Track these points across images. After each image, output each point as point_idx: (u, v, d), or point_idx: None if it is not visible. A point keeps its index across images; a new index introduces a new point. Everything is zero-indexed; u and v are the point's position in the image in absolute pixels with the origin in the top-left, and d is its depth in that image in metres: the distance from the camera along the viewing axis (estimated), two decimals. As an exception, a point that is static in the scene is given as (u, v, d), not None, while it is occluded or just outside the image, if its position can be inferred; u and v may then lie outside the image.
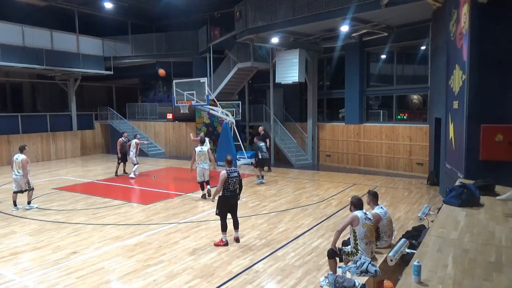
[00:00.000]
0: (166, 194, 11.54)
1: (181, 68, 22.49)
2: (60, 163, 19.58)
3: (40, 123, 20.33)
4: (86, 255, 6.71)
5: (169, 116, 22.22)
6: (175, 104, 18.02)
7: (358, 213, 5.08)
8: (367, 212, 5.24)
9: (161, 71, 12.28)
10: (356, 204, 5.20)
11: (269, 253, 6.65)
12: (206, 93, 16.73)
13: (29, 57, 18.41)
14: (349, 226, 5.09)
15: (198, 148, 10.84)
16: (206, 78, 17.45)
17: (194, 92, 16.99)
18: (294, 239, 7.36)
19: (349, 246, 5.14)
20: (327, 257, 5.26)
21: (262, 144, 13.22)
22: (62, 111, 22.22)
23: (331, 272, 4.96)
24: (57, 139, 20.96)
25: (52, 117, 20.97)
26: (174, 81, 17.67)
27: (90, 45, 21.49)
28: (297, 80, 15.91)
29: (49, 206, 10.37)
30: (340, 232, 5.07)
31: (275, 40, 15.28)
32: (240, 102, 19.38)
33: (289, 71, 15.99)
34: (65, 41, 20.23)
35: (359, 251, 4.94)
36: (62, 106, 22.71)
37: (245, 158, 17.38)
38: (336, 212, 9.31)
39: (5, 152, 19.00)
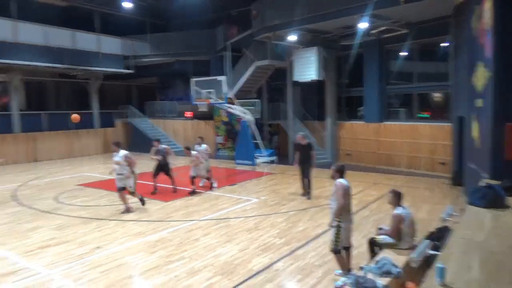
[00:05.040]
0: (186, 191, 11.68)
1: (199, 66, 22.69)
2: (83, 160, 20.06)
3: (63, 121, 20.85)
4: (109, 250, 6.88)
5: (188, 114, 22.44)
6: (194, 103, 18.21)
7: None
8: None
9: (74, 116, 12.18)
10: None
11: (289, 252, 6.67)
12: (224, 91, 16.83)
13: (52, 56, 18.89)
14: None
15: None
16: (224, 76, 17.55)
17: (212, 90, 17.12)
18: (314, 238, 7.36)
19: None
20: (333, 253, 5.45)
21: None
22: (84, 109, 22.69)
23: (352, 273, 4.96)
24: (80, 136, 21.46)
25: (75, 115, 21.44)
26: (192, 80, 17.83)
27: (110, 44, 21.90)
28: (315, 78, 15.83)
29: (73, 202, 10.65)
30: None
31: (292, 38, 15.23)
32: (259, 100, 19.40)
33: (307, 69, 15.92)
34: (86, 40, 20.67)
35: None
36: (84, 105, 23.21)
37: (263, 156, 17.40)
38: (357, 211, 9.25)
39: (31, 150, 19.56)
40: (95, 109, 22.42)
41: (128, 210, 9.32)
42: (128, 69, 22.14)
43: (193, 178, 11.34)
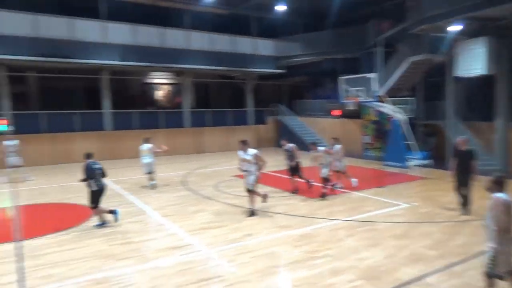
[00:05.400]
0: (332, 190, 11.68)
1: (348, 64, 22.31)
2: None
3: (223, 118, 23.33)
4: (259, 239, 7.40)
5: (336, 112, 22.34)
6: (342, 101, 18.01)
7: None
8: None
9: (163, 148, 13.31)
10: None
11: (443, 267, 6.03)
12: (375, 89, 16.15)
13: (215, 60, 21.29)
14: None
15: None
16: (374, 73, 16.84)
17: (362, 88, 16.63)
18: (476, 255, 6.42)
19: None
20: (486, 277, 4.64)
21: None
22: (240, 107, 24.87)
23: None
24: (236, 132, 23.60)
25: (233, 113, 23.76)
26: (341, 78, 17.65)
27: (265, 46, 23.46)
28: (482, 73, 13.83)
29: (229, 191, 11.80)
30: None
31: (455, 28, 13.60)
32: (413, 99, 17.99)
33: (473, 62, 14.02)
34: (244, 44, 22.63)
35: None
36: (240, 103, 25.41)
37: (416, 158, 16.09)
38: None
39: (197, 143, 22.44)
40: (250, 107, 24.33)
41: (264, 197, 9.36)
42: (280, 69, 23.30)
43: (325, 180, 10.62)
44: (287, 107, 25.68)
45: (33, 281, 5.68)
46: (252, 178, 8.88)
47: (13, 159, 13.77)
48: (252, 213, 8.98)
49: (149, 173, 12.49)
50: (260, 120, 24.91)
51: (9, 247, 7.13)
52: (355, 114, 20.30)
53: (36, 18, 17.03)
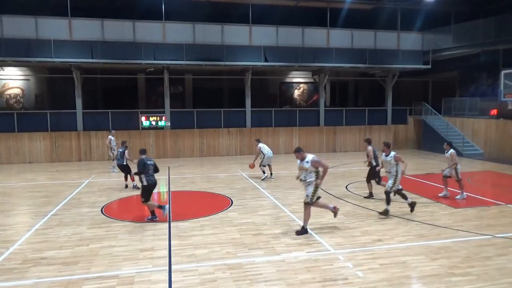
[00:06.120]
0: (481, 200, 10.28)
1: (511, 56, 19.14)
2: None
3: (359, 117, 22.65)
4: (390, 246, 7.01)
5: (493, 112, 19.43)
6: (502, 99, 15.58)
7: None
8: None
9: (250, 165, 13.66)
10: None
11: None
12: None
13: (355, 57, 20.74)
14: None
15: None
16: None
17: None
18: None
19: None
20: None
21: None
22: (379, 106, 23.73)
23: None
24: (372, 132, 22.66)
25: (370, 112, 22.85)
26: (502, 72, 15.26)
27: (410, 40, 21.89)
28: None
29: (361, 192, 11.41)
30: None
31: None
32: None
33: None
34: (386, 39, 21.52)
35: None
36: (380, 102, 24.25)
37: None
38: None
39: (331, 141, 22.33)
40: (389, 106, 23.01)
41: (412, 205, 9.04)
42: (426, 64, 21.41)
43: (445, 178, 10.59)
44: (434, 106, 23.41)
45: (179, 258, 6.54)
46: (391, 180, 8.93)
47: (115, 153, 14.46)
48: (386, 212, 8.81)
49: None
50: (399, 120, 23.32)
51: (163, 226, 8.33)
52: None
53: (193, 27, 19.37)
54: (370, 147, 10.82)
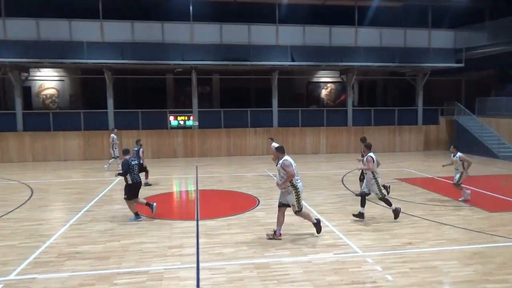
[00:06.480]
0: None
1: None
2: (403, 155, 20.62)
3: (388, 117, 22.19)
4: (421, 249, 6.83)
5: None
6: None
7: None
8: None
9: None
10: None
11: None
12: None
13: (385, 56, 20.33)
14: None
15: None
16: None
17: None
18: None
19: None
20: None
21: None
22: (409, 106, 23.17)
23: None
24: (402, 132, 22.16)
25: (399, 112, 22.35)
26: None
27: (441, 38, 21.26)
28: None
29: (390, 194, 11.17)
30: None
31: None
32: None
33: None
34: (417, 37, 20.99)
35: None
36: (409, 101, 23.67)
37: None
38: None
39: (358, 142, 21.99)
40: (420, 106, 22.43)
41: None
42: (459, 63, 20.73)
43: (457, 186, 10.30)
44: (467, 106, 22.62)
45: (206, 256, 6.62)
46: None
47: (115, 151, 15.81)
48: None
49: None
50: (430, 120, 22.69)
51: (191, 224, 8.46)
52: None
53: (220, 27, 19.53)
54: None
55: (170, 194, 11.86)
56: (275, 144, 13.64)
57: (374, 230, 7.90)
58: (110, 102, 19.73)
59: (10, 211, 9.67)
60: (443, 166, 11.15)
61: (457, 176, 10.14)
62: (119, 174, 8.60)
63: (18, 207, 10.14)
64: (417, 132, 22.38)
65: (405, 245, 7.07)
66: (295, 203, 7.21)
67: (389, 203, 8.65)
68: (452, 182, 10.49)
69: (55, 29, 18.26)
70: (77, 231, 8.00)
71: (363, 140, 11.14)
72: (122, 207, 9.91)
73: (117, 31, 18.79)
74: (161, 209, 10.05)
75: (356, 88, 27.01)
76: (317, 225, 7.52)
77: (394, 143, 22.23)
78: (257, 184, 12.96)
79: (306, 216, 7.56)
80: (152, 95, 23.92)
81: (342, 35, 20.56)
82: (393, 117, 22.31)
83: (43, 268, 6.13)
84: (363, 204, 8.57)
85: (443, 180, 13.29)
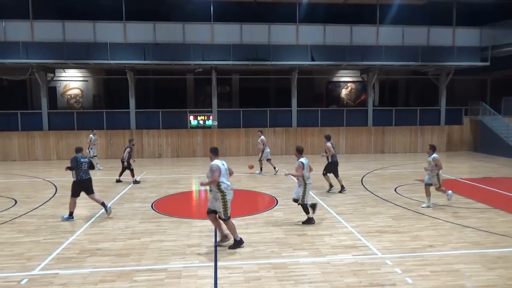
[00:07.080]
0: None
1: None
2: (425, 156, 20.06)
3: (410, 117, 21.79)
4: (442, 252, 6.69)
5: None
6: None
7: None
8: None
9: (250, 165, 13.76)
10: None
11: None
12: None
13: (407, 55, 19.96)
14: None
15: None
16: None
17: None
18: None
19: None
20: None
21: None
22: (432, 105, 22.68)
23: None
24: (424, 132, 21.71)
25: (421, 112, 21.91)
26: None
27: (466, 36, 20.72)
28: None
29: (410, 195, 11.00)
30: None
31: None
32: None
33: None
34: (440, 35, 20.53)
35: None
36: (432, 101, 23.17)
37: None
38: None
39: (379, 142, 21.66)
40: (443, 106, 21.93)
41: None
42: (484, 61, 20.15)
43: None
44: (493, 106, 21.97)
45: (224, 255, 6.66)
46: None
47: (92, 151, 16.42)
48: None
49: None
50: (454, 120, 22.14)
51: (210, 223, 8.51)
52: None
53: (240, 27, 19.60)
54: (329, 143, 11.56)
55: (189, 193, 11.98)
56: (263, 138, 15.07)
57: (394, 232, 7.78)
58: (132, 102, 20.10)
59: (35, 208, 9.98)
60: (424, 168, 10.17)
61: (434, 179, 9.61)
62: (68, 168, 8.80)
63: (43, 204, 10.45)
64: (440, 133, 21.88)
65: (426, 247, 6.93)
66: (221, 210, 6.86)
67: (307, 211, 8.37)
68: (424, 182, 10.09)
69: (80, 30, 18.74)
70: (98, 228, 8.19)
71: (328, 137, 11.99)
72: (141, 205, 10.08)
73: (139, 32, 19.12)
74: (180, 208, 10.17)
75: (377, 88, 26.58)
76: (238, 244, 6.96)
77: (415, 144, 21.80)
78: (275, 184, 12.95)
79: (230, 230, 7.04)
80: (173, 95, 24.23)
81: (363, 34, 20.32)
82: (415, 117, 21.89)
83: (66, 264, 6.30)
84: (307, 211, 8.39)
85: (467, 182, 12.96)
